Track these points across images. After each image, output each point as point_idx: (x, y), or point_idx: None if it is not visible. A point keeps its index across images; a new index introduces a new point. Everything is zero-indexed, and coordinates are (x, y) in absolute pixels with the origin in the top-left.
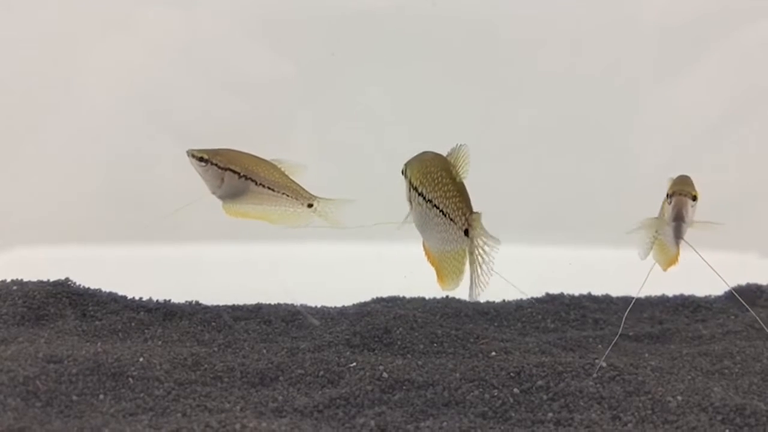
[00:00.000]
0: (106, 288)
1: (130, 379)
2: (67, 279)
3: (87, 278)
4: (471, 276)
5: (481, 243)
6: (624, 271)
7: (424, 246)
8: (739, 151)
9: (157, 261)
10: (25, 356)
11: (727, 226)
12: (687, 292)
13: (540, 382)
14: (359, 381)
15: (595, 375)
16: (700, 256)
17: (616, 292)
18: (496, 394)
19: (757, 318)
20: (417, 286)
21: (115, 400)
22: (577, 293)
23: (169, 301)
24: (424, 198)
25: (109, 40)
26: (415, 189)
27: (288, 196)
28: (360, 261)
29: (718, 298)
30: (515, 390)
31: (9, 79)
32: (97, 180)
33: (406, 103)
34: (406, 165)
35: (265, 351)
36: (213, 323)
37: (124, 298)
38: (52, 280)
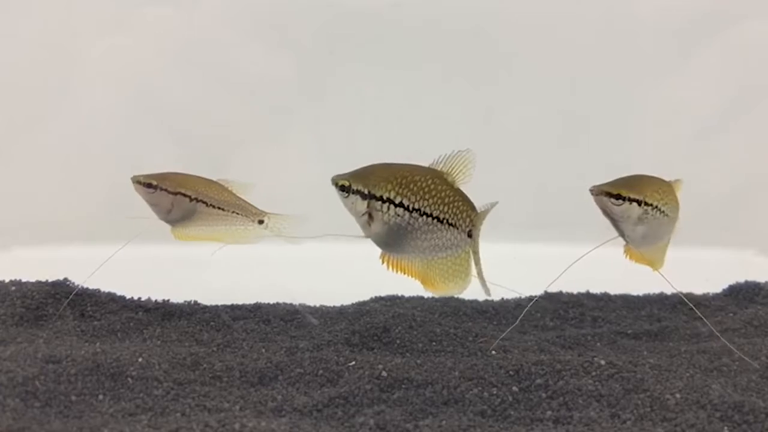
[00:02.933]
0: (104, 288)
1: (129, 379)
2: (65, 279)
3: (85, 278)
4: (480, 274)
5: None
6: (623, 270)
7: (386, 257)
8: (737, 149)
9: (155, 261)
10: (24, 356)
11: (726, 224)
12: (685, 290)
13: (539, 381)
14: (358, 380)
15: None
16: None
17: (614, 290)
18: (495, 392)
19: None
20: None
21: (114, 400)
22: (575, 291)
23: (168, 300)
24: (406, 208)
25: (108, 40)
26: (387, 200)
27: (238, 214)
28: (359, 260)
29: (716, 296)
30: (514, 388)
31: (9, 79)
32: (96, 180)
33: (405, 102)
34: (355, 180)
35: (264, 350)
36: (212, 323)
37: (123, 298)
38: (50, 280)
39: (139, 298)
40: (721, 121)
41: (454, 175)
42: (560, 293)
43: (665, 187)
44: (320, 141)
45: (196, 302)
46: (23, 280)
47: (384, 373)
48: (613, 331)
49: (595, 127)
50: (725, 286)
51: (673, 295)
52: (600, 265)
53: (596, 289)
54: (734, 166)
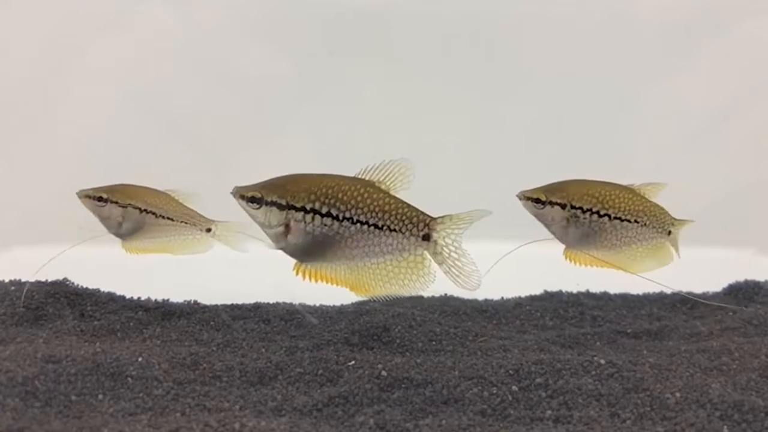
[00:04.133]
0: (104, 288)
1: (129, 379)
2: (65, 279)
3: (85, 278)
4: (450, 273)
5: (449, 242)
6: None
7: (302, 268)
8: (737, 148)
9: (155, 261)
10: (23, 356)
11: (726, 223)
12: (685, 289)
13: (539, 380)
14: (358, 379)
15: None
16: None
17: (613, 289)
18: (495, 391)
19: None
20: None
21: (114, 399)
22: (575, 291)
23: (168, 300)
24: (336, 218)
25: (107, 39)
26: (312, 211)
27: (187, 224)
28: None
29: (716, 295)
30: (514, 387)
31: (8, 79)
32: (95, 180)
33: (404, 101)
34: (268, 191)
35: (263, 350)
36: (211, 322)
37: (123, 297)
38: (50, 280)
39: (139, 298)
40: (721, 120)
41: (388, 184)
42: (560, 292)
43: (613, 192)
44: (319, 141)
45: (196, 302)
46: (23, 279)
47: (384, 373)
48: (613, 331)
49: (595, 127)
50: (725, 285)
51: (673, 295)
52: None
53: (596, 289)
54: (734, 165)
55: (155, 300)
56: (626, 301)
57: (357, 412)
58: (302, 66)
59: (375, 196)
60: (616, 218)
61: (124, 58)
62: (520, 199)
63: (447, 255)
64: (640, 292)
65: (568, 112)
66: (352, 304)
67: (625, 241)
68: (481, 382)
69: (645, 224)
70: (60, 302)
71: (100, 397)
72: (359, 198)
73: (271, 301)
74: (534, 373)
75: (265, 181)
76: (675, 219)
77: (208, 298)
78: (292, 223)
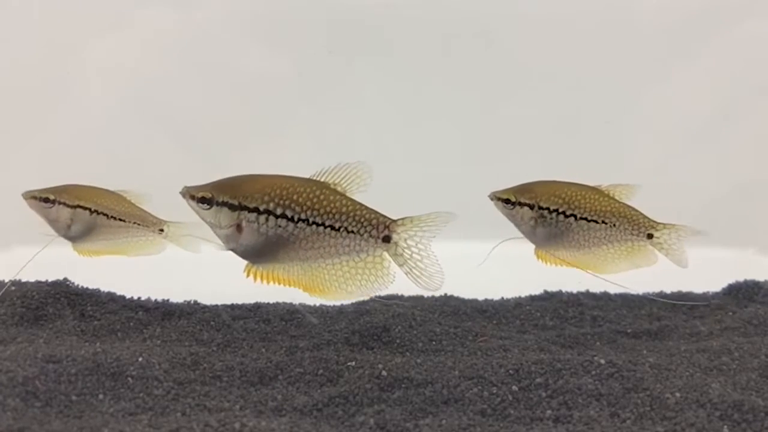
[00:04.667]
0: (104, 288)
1: (130, 379)
2: (65, 279)
3: (85, 278)
4: (410, 274)
5: (411, 243)
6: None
7: (253, 269)
8: (737, 148)
9: (155, 260)
10: (24, 356)
11: (726, 223)
12: (685, 289)
13: (539, 380)
14: (358, 379)
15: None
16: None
17: (613, 289)
18: (495, 391)
19: None
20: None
21: (115, 399)
22: (575, 290)
23: (168, 300)
24: (290, 219)
25: (106, 40)
26: (266, 212)
27: (139, 224)
28: None
29: (716, 295)
30: (514, 387)
31: (9, 78)
32: (95, 180)
33: (404, 101)
34: (219, 191)
35: (264, 350)
36: (212, 322)
37: (123, 297)
38: (50, 280)
39: (139, 298)
40: (721, 120)
41: (344, 186)
42: (560, 292)
43: (579, 193)
44: (319, 141)
45: (196, 302)
46: (23, 279)
47: (384, 373)
48: (613, 330)
49: (595, 127)
50: (725, 285)
51: (673, 294)
52: None
53: (596, 289)
54: (734, 165)
55: (155, 300)
56: (626, 301)
57: (357, 412)
58: (302, 66)
59: (332, 197)
60: (582, 219)
61: (124, 58)
62: (492, 199)
63: (408, 256)
64: (640, 292)
65: (567, 112)
66: (353, 304)
67: (594, 242)
68: (481, 382)
69: (614, 225)
70: (60, 302)
71: (101, 397)
72: (315, 199)
73: (271, 301)
74: (534, 373)
75: (217, 181)
76: (656, 223)
77: (208, 298)
78: (244, 224)
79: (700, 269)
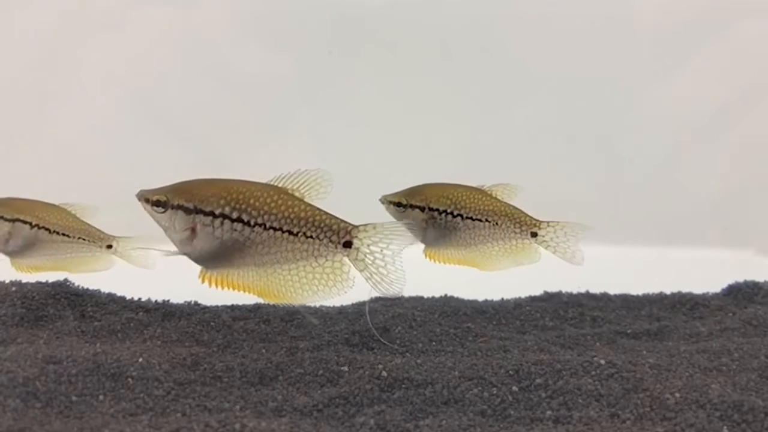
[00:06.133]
0: (104, 289)
1: (130, 380)
2: (65, 280)
3: (86, 279)
4: (371, 280)
5: (374, 249)
6: (622, 269)
7: (208, 275)
8: (736, 148)
9: (155, 261)
10: (24, 357)
11: (725, 224)
12: (685, 290)
13: (539, 380)
14: (359, 380)
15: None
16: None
17: (613, 290)
18: (495, 392)
19: None
20: (415, 284)
21: (115, 400)
22: (575, 291)
23: (168, 301)
24: (247, 223)
25: (107, 39)
26: (221, 216)
27: (85, 240)
28: None
29: (715, 296)
30: (514, 388)
31: (9, 78)
32: (95, 180)
33: (403, 101)
34: (174, 195)
35: (264, 350)
36: (212, 323)
37: (123, 298)
38: (50, 281)
39: (139, 299)
40: (720, 120)
41: (302, 192)
42: (560, 293)
43: (465, 194)
44: (319, 141)
45: (196, 302)
46: (23, 280)
47: (384, 373)
48: (613, 331)
49: (594, 127)
50: (724, 285)
51: (673, 295)
52: (599, 265)
53: (596, 289)
54: (733, 166)
55: (156, 301)
56: (626, 301)
57: (357, 412)
58: (302, 66)
59: (290, 203)
60: (467, 218)
61: (124, 58)
62: (383, 203)
63: (370, 262)
64: (640, 293)
65: (565, 113)
66: (353, 304)
67: (479, 240)
68: (482, 383)
69: (497, 224)
70: (60, 303)
71: (101, 397)
72: (273, 204)
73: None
74: (534, 374)
75: (172, 185)
76: (540, 221)
77: (208, 299)
78: (198, 228)
79: (700, 270)
